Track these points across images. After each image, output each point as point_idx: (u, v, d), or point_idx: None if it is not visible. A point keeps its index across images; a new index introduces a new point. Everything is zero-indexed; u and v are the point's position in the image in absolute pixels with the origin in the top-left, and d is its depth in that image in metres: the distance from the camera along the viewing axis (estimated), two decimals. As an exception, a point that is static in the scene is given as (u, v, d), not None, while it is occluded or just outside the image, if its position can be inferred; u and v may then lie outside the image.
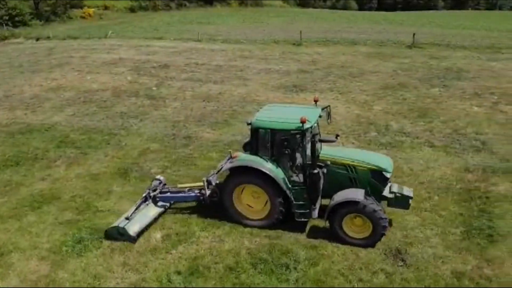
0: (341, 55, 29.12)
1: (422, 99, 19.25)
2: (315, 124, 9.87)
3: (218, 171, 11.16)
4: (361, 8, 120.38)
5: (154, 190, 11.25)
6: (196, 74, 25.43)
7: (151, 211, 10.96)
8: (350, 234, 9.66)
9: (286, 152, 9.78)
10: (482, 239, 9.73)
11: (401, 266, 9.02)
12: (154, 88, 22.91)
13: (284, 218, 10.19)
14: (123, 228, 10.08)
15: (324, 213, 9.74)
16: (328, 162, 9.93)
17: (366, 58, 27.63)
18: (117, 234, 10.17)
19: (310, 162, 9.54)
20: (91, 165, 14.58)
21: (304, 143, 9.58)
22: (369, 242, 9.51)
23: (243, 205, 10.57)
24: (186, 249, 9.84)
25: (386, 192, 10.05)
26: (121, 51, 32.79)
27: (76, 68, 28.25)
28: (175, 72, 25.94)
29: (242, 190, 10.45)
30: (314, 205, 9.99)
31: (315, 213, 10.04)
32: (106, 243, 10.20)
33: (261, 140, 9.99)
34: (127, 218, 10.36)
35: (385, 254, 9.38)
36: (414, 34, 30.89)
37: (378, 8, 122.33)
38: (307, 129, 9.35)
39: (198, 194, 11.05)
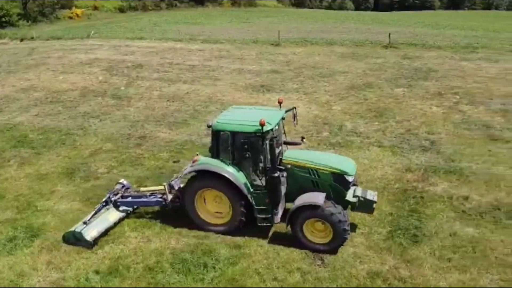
0: (316, 55, 29.09)
1: (383, 99, 19.25)
2: (276, 127, 9.71)
3: (181, 176, 10.93)
4: (357, 8, 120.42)
5: (116, 194, 10.97)
6: (168, 74, 25.45)
7: (112, 216, 10.70)
8: (312, 239, 9.43)
9: (247, 155, 9.50)
10: (406, 239, 9.74)
11: (318, 265, 9.04)
12: (122, 88, 22.94)
13: (246, 224, 9.97)
14: (80, 233, 9.82)
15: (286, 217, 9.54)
16: (289, 166, 9.78)
17: (339, 59, 27.61)
18: (74, 239, 9.92)
19: (269, 166, 9.38)
20: (42, 165, 14.62)
21: (264, 146, 9.39)
22: (331, 247, 9.27)
23: (206, 210, 10.37)
24: (112, 249, 9.88)
25: (349, 196, 9.83)
26: (99, 51, 32.80)
27: (51, 69, 28.30)
28: (148, 72, 25.97)
29: (205, 195, 10.27)
30: (276, 209, 9.82)
31: (278, 218, 9.85)
32: (37, 242, 10.29)
33: (222, 143, 9.83)
34: (84, 223, 10.08)
35: (305, 253, 9.38)
36: (390, 34, 30.86)
37: (375, 9, 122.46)
38: (266, 131, 9.20)
39: (160, 199, 10.77)
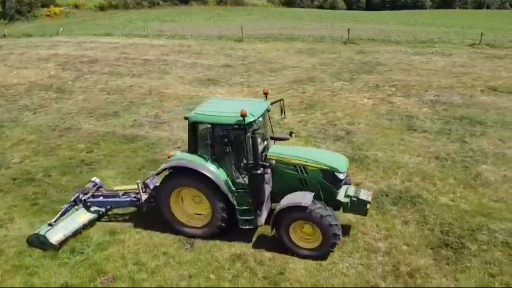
0: (274, 51, 29.15)
1: (320, 92, 19.27)
2: (260, 119, 8.70)
3: (158, 173, 9.94)
4: (349, 8, 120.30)
5: (86, 193, 10.16)
6: (120, 68, 25.46)
7: (81, 217, 9.85)
8: (299, 244, 8.63)
9: (228, 150, 8.55)
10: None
11: (186, 249, 9.05)
12: (69, 82, 22.93)
13: (228, 226, 9.11)
14: (44, 236, 9.06)
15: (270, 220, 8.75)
16: (273, 162, 8.73)
17: (295, 54, 27.66)
18: (38, 242, 9.16)
19: (251, 162, 8.39)
20: (-40, 155, 14.61)
21: (246, 139, 8.37)
22: (320, 252, 8.50)
23: (184, 211, 9.52)
24: (-4, 233, 9.87)
25: (341, 196, 9.00)
26: (62, 48, 32.80)
27: (9, 64, 28.25)
28: (100, 66, 25.97)
29: (182, 194, 9.42)
30: (260, 210, 8.89)
31: (262, 219, 8.94)
32: None
33: (200, 136, 8.96)
34: (50, 225, 9.25)
35: (179, 239, 9.38)
36: (348, 30, 30.93)
37: (367, 8, 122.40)
38: (249, 123, 8.23)
39: (134, 198, 9.96)
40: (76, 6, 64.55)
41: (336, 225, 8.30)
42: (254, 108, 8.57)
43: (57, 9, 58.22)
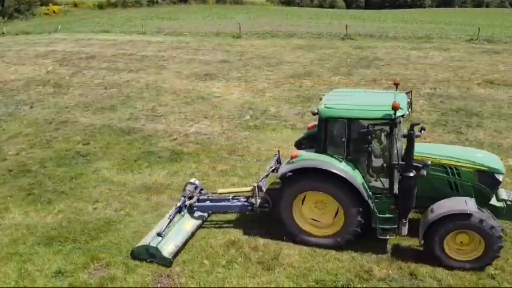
0: (272, 47, 29.14)
1: (317, 86, 19.27)
2: (408, 112, 7.78)
3: (267, 175, 9.19)
4: (348, 7, 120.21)
5: (190, 198, 9.24)
6: (117, 63, 25.44)
7: (187, 224, 8.90)
8: (452, 255, 7.65)
9: (369, 149, 7.60)
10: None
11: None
12: (67, 78, 22.91)
13: (362, 234, 8.12)
14: (156, 248, 8.01)
15: (419, 229, 7.72)
16: (429, 162, 7.58)
17: (292, 50, 27.66)
18: (147, 255, 8.13)
19: (402, 163, 7.42)
20: (-44, 148, 14.60)
21: (393, 137, 7.44)
22: (477, 265, 7.56)
23: (305, 218, 8.46)
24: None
25: (493, 200, 8.03)
26: (60, 45, 32.78)
27: (6, 61, 28.23)
28: (97, 62, 25.97)
29: (303, 199, 8.36)
30: (405, 218, 7.87)
31: (405, 229, 7.87)
32: None
33: (333, 133, 7.93)
34: (159, 235, 8.24)
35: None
36: (346, 26, 30.91)
37: (366, 7, 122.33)
38: (398, 118, 7.32)
39: (246, 203, 9.03)
40: (75, 5, 64.53)
41: (498, 226, 7.37)
42: (399, 101, 7.40)
43: (55, 7, 58.22)
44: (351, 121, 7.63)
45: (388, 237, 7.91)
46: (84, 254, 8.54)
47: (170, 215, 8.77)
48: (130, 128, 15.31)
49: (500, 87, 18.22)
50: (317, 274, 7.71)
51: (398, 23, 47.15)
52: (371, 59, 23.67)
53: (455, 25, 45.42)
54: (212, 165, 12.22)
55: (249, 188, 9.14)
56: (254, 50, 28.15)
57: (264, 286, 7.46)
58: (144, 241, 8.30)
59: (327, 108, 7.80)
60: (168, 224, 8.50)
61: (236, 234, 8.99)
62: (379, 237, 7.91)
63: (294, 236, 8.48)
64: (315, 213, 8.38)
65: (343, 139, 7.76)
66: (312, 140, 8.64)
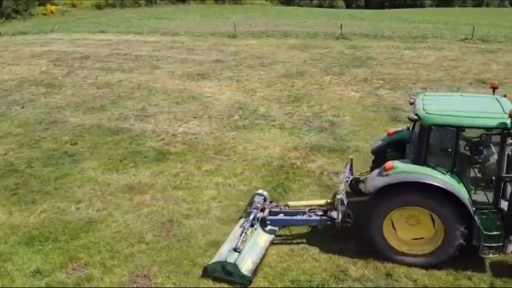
0: (266, 46, 29.17)
1: (308, 86, 19.28)
2: None
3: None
4: (348, 6, 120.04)
5: (262, 210, 8.69)
6: (111, 63, 25.47)
7: (261, 238, 8.32)
8: None
9: (479, 160, 7.12)
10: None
11: (160, 236, 9.05)
12: (60, 78, 22.95)
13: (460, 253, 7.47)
14: (235, 264, 7.37)
15: None
16: None
17: (287, 49, 27.68)
18: (223, 273, 7.45)
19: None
20: None
21: (505, 147, 6.90)
22: None
23: (395, 236, 7.75)
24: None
25: None
26: (55, 45, 32.83)
27: (2, 61, 28.23)
28: (91, 62, 25.99)
29: (394, 216, 7.62)
30: None
31: (511, 246, 7.25)
32: None
33: (436, 143, 7.33)
34: (235, 250, 7.61)
35: (156, 228, 9.35)
36: (341, 25, 30.91)
37: (366, 7, 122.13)
38: None
39: (324, 217, 8.36)
40: (73, 5, 64.55)
41: None
42: (507, 107, 6.93)
43: (53, 8, 58.24)
44: (461, 130, 6.99)
45: (491, 255, 7.31)
46: (63, 254, 8.55)
47: (244, 228, 8.12)
48: (118, 128, 15.31)
49: (491, 87, 18.17)
50: (293, 274, 7.71)
51: (394, 23, 47.12)
52: (365, 58, 23.69)
53: (451, 24, 45.38)
54: (198, 165, 12.23)
55: (322, 202, 8.75)
56: (248, 50, 28.18)
57: (238, 287, 7.46)
58: (219, 257, 7.62)
59: (432, 114, 7.07)
60: (243, 238, 7.87)
61: (217, 235, 8.95)
62: (481, 255, 7.31)
63: (382, 253, 7.83)
64: (411, 231, 7.68)
65: (449, 149, 7.10)
66: (396, 149, 8.30)
